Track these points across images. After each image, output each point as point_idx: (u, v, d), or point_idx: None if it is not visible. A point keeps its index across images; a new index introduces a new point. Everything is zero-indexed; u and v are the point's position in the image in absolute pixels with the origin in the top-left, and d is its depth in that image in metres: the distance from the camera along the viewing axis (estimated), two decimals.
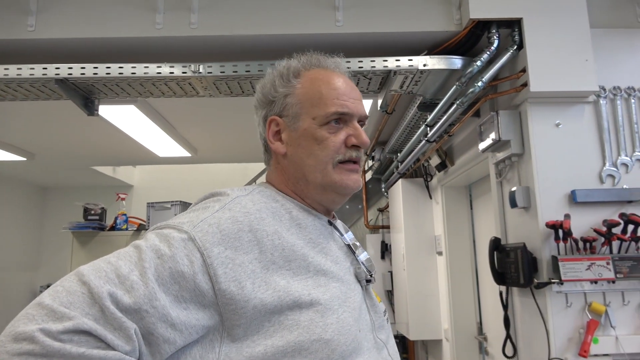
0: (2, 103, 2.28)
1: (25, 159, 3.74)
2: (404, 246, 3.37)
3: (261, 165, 4.84)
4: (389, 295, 4.01)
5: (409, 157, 3.04)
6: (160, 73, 2.01)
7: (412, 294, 3.28)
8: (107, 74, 2.00)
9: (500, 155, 2.10)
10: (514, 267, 1.91)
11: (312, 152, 0.91)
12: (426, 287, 3.29)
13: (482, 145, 2.16)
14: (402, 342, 4.05)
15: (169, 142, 3.50)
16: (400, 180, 3.49)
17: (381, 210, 4.63)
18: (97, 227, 3.71)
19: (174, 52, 2.13)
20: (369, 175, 4.51)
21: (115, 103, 2.61)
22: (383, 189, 4.25)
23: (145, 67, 2.01)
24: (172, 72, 2.01)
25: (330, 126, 0.92)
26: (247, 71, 2.01)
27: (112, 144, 3.61)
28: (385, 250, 4.12)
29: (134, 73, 2.00)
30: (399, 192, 3.49)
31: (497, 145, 2.06)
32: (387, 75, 2.13)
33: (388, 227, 4.19)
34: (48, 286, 3.42)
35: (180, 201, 3.74)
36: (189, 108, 2.98)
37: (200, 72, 2.02)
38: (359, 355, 0.82)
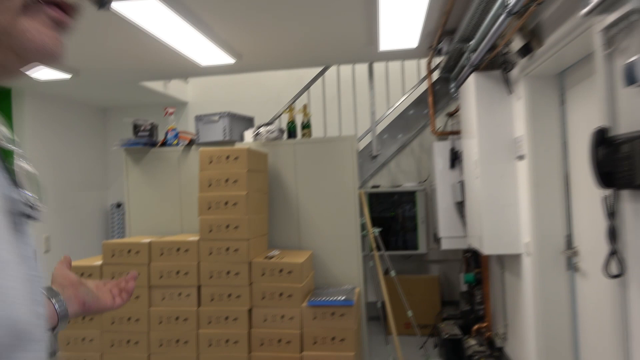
0: None
1: (70, 75, 3.62)
2: (477, 151, 2.92)
3: (315, 71, 4.43)
4: (459, 207, 3.63)
5: (484, 43, 2.50)
6: None
7: (486, 204, 2.88)
8: None
9: (613, 17, 1.55)
10: (627, 164, 1.45)
11: None
12: (503, 197, 2.87)
13: (586, 7, 1.61)
14: (475, 257, 3.73)
15: (209, 47, 3.18)
16: (472, 75, 2.96)
17: (450, 115, 4.12)
18: (147, 143, 3.58)
19: None
20: (435, 75, 3.96)
21: None
22: (452, 90, 3.72)
23: None
24: None
25: None
26: None
27: (152, 55, 3.36)
28: (456, 158, 3.68)
29: None
30: (471, 90, 2.98)
31: (610, 2, 1.51)
32: None
33: (458, 132, 3.71)
34: (118, 205, 3.38)
35: (229, 112, 3.48)
36: (225, 3, 2.60)
37: None
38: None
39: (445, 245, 3.65)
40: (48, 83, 3.97)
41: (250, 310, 2.92)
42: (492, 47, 2.68)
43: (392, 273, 3.60)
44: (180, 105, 5.22)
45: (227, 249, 2.92)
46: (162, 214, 3.63)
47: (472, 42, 2.76)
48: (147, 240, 3.05)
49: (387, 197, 4.41)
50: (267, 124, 3.53)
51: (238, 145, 3.49)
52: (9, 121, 4.16)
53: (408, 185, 4.42)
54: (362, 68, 4.50)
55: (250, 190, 3.00)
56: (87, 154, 5.01)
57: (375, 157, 4.25)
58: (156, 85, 4.61)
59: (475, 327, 3.55)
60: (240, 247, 2.91)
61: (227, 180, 2.98)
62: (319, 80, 4.43)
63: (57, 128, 4.57)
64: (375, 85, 4.33)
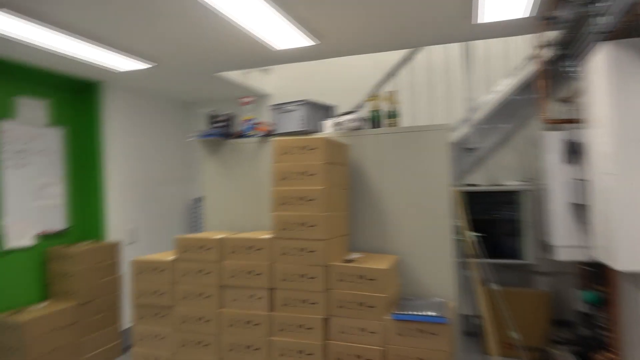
0: (118, 9, 1.89)
1: (149, 65, 3.56)
2: (610, 142, 2.34)
3: (395, 55, 4.00)
4: (579, 210, 3.02)
5: (621, 1, 1.94)
6: None
7: (622, 207, 2.29)
8: None
9: None
10: None
11: None
12: None
13: None
14: (598, 271, 3.08)
15: (287, 28, 2.91)
16: (603, 46, 2.37)
17: (565, 100, 3.49)
18: (223, 135, 3.41)
19: None
20: (546, 54, 3.36)
21: None
22: (569, 69, 3.11)
23: None
24: None
25: None
26: None
27: (228, 42, 3.17)
28: (574, 151, 3.06)
29: None
30: (602, 64, 2.39)
31: None
32: None
33: (577, 120, 3.10)
34: (199, 199, 3.25)
35: (306, 100, 3.20)
36: None
37: None
38: None
39: (562, 255, 3.05)
40: (131, 76, 3.97)
41: (326, 320, 2.60)
42: (632, 6, 2.10)
43: (493, 285, 3.09)
44: (261, 98, 5.07)
45: (302, 250, 2.63)
46: (238, 209, 3.45)
47: (603, 4, 2.19)
48: (219, 236, 2.86)
49: (484, 197, 3.87)
50: (349, 113, 3.18)
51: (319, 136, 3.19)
52: (95, 114, 4.24)
53: (510, 183, 3.84)
54: (456, 50, 3.99)
55: (328, 185, 2.68)
56: (171, 147, 5.03)
57: (471, 150, 3.73)
58: (235, 77, 4.48)
59: (599, 357, 2.92)
60: (317, 248, 2.60)
61: (302, 174, 2.68)
62: (407, 65, 4.00)
63: (142, 122, 4.61)
64: (472, 67, 3.80)
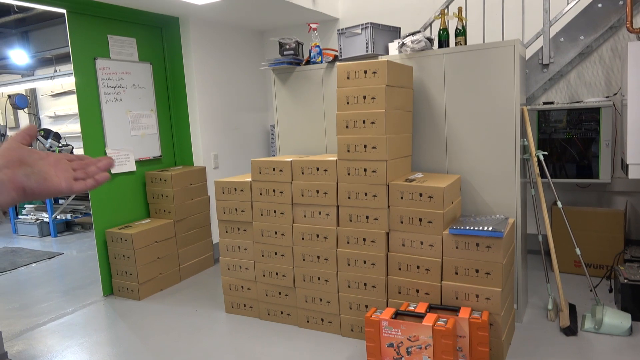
0: None
1: None
2: None
3: None
4: None
5: None
6: None
7: None
8: None
9: None
10: None
11: None
12: None
13: None
14: None
15: None
16: None
17: None
18: (292, 62, 3.55)
19: None
20: None
21: None
22: None
23: None
24: None
25: None
26: None
27: None
28: None
29: None
30: None
31: None
32: None
33: None
34: (272, 126, 3.46)
35: (371, 23, 3.21)
36: None
37: None
38: None
39: (634, 174, 2.94)
40: (207, 9, 4.16)
41: (387, 234, 2.81)
42: None
43: (559, 204, 3.08)
44: (330, 22, 5.07)
45: (365, 170, 2.80)
46: (308, 134, 3.66)
47: None
48: (289, 159, 3.11)
49: (562, 115, 3.71)
50: (413, 34, 3.16)
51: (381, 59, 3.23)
52: (177, 49, 4.55)
53: (590, 100, 3.63)
54: None
55: (390, 107, 2.77)
56: (249, 77, 5.27)
57: (546, 65, 3.55)
58: (304, 2, 4.50)
59: None
60: (379, 168, 2.76)
61: (365, 97, 2.79)
62: None
63: (220, 53, 4.85)
64: None
